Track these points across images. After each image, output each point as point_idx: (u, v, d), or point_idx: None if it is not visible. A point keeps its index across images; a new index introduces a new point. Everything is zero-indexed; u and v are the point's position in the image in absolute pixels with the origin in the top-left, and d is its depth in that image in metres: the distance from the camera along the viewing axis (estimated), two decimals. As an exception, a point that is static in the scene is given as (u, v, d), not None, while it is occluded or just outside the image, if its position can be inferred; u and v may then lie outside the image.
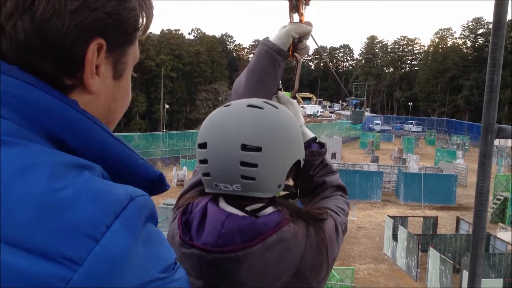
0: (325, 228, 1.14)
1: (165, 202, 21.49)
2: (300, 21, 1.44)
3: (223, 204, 1.11)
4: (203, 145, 1.08)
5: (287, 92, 1.48)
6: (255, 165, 1.04)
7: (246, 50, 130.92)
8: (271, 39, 1.44)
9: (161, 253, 0.64)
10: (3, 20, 0.64)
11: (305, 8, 1.44)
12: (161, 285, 0.61)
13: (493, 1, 1.09)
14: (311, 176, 1.39)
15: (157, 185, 0.76)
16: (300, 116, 1.39)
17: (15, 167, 0.57)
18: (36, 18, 0.64)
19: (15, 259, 0.52)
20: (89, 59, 0.69)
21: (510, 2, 1.08)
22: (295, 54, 1.48)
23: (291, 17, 1.45)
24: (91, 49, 0.68)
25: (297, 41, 1.46)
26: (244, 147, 1.04)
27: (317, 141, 1.43)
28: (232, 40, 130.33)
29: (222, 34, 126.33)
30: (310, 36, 1.49)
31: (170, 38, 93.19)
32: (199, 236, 1.09)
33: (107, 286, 0.54)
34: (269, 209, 1.09)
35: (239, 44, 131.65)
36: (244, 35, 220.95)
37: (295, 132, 1.14)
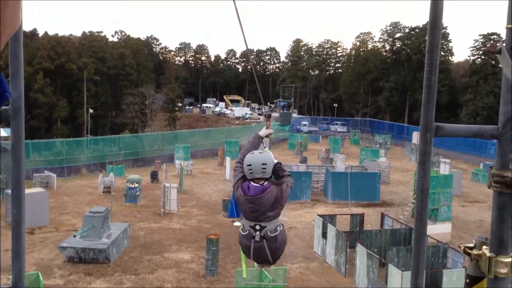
0: (283, 186, 3.87)
1: (91, 210, 20.07)
2: (268, 127, 4.47)
3: (252, 183, 3.86)
4: (250, 165, 3.84)
5: (266, 148, 4.37)
6: (265, 168, 3.83)
7: (172, 53, 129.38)
8: (259, 133, 4.38)
9: None
10: None
11: (269, 122, 4.78)
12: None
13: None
14: (278, 174, 4.01)
15: None
16: (271, 154, 4.05)
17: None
18: None
19: None
20: None
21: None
22: (267, 136, 4.49)
23: (267, 126, 4.48)
24: None
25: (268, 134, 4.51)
26: (263, 164, 3.84)
27: (277, 161, 4.02)
28: (158, 43, 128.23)
29: (147, 36, 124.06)
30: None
31: (92, 40, 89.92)
32: (249, 193, 3.79)
33: None
34: (267, 182, 3.84)
35: (165, 47, 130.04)
36: (170, 38, 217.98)
37: (271, 158, 3.93)
